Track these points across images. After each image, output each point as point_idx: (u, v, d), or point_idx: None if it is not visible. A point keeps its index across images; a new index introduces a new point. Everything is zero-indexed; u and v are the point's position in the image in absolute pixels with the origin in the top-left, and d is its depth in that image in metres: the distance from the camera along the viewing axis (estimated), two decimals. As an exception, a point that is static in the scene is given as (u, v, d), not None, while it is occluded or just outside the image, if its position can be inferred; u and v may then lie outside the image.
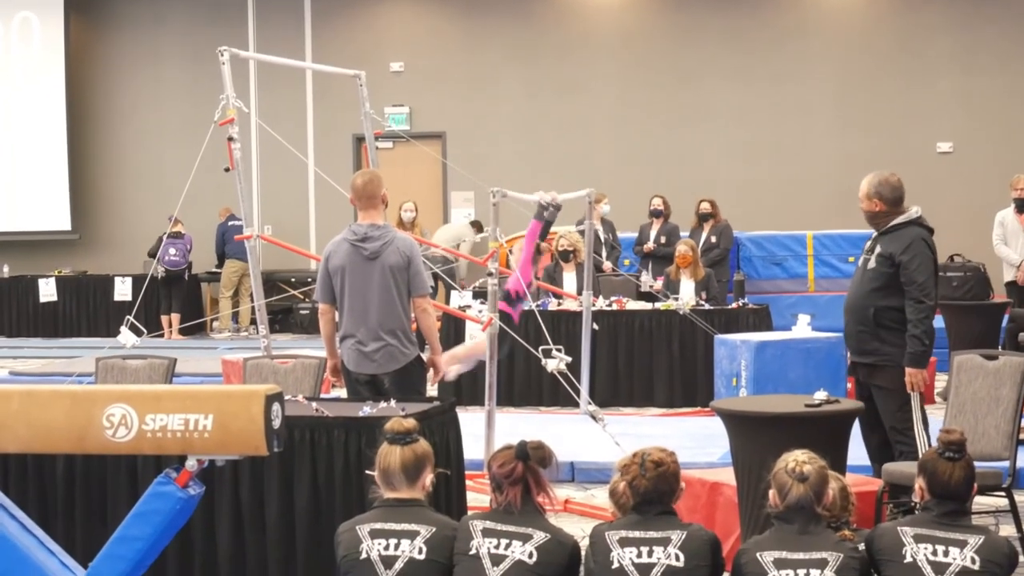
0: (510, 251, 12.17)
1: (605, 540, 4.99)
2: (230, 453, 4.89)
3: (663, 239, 16.02)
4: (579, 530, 7.40)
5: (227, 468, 6.43)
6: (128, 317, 9.88)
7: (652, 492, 5.06)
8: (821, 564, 4.80)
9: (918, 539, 4.90)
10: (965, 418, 7.45)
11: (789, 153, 19.84)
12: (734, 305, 13.86)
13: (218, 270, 20.51)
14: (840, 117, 19.78)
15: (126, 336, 9.65)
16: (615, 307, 13.50)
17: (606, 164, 19.93)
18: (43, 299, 20.93)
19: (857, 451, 7.56)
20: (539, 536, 4.99)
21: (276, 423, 4.82)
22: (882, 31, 19.79)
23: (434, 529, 5.06)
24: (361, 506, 5.77)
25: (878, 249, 7.95)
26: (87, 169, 22.15)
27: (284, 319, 20.58)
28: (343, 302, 8.02)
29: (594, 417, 9.54)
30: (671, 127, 20.23)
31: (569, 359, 9.37)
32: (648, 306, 13.60)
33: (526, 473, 5.08)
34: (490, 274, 9.42)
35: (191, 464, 4.90)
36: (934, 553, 4.86)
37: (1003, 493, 7.27)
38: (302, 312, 20.10)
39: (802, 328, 12.19)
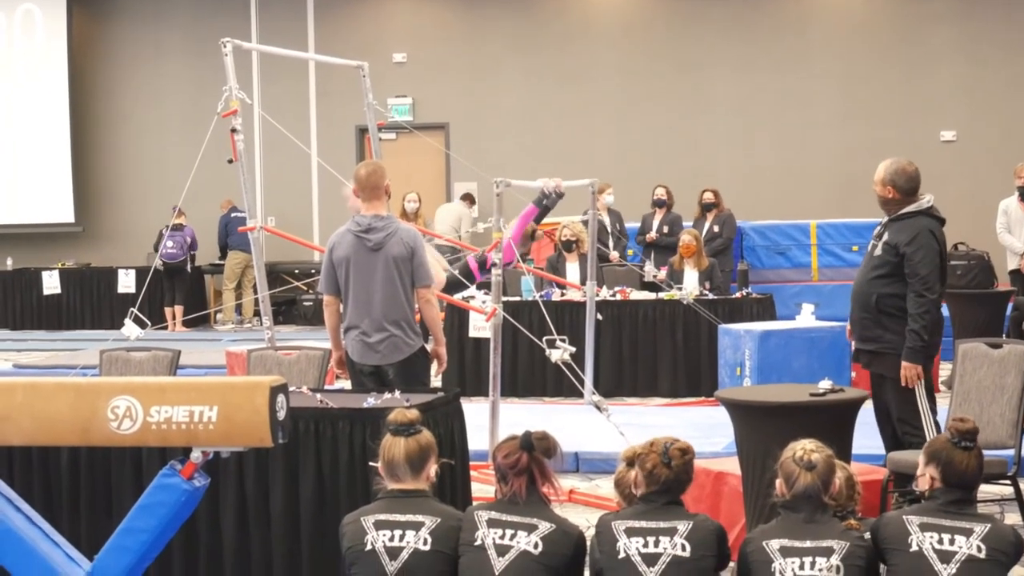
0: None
1: (611, 530, 4.99)
2: (235, 445, 4.89)
3: (666, 229, 16.00)
4: (584, 520, 7.40)
5: (232, 460, 6.42)
6: (132, 309, 9.87)
7: (672, 481, 5.06)
8: (827, 552, 4.81)
9: (924, 528, 4.90)
10: (970, 406, 7.44)
11: (792, 142, 19.83)
12: (738, 295, 13.84)
13: (221, 262, 20.51)
14: (843, 106, 19.77)
15: (130, 328, 9.64)
16: (619, 297, 13.48)
17: (609, 154, 19.93)
18: (47, 291, 20.95)
19: (861, 440, 7.55)
20: (544, 526, 4.99)
21: (281, 415, 4.81)
22: (885, 20, 19.78)
23: (439, 520, 5.05)
24: (366, 497, 5.76)
25: (885, 236, 7.92)
26: (90, 161, 22.15)
27: (288, 310, 20.59)
28: (347, 293, 8.01)
29: (598, 407, 9.54)
30: (673, 117, 20.22)
31: (573, 349, 9.38)
32: (652, 296, 13.59)
33: (531, 464, 5.07)
34: (494, 265, 9.42)
35: (196, 456, 4.90)
36: (940, 542, 4.85)
37: (1008, 481, 7.26)
38: (305, 303, 20.11)
39: (806, 317, 12.17)
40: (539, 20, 20.67)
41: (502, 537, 4.97)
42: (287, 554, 6.55)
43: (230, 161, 9.80)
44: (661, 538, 4.92)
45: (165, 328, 18.81)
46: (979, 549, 4.83)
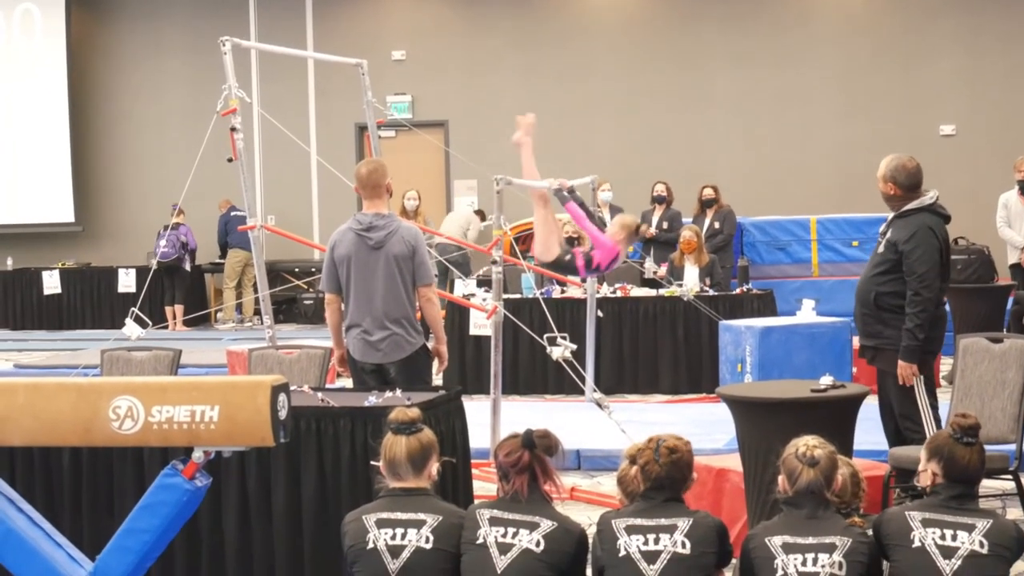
0: (514, 239, 12.17)
1: (612, 528, 5.00)
2: (236, 444, 4.89)
3: (665, 225, 16.01)
4: (586, 518, 7.41)
5: (234, 459, 6.43)
6: (133, 309, 9.88)
7: (664, 479, 5.07)
8: (829, 548, 4.81)
9: (926, 523, 4.90)
10: (971, 401, 7.44)
11: (792, 138, 19.83)
12: (738, 291, 13.85)
13: (221, 261, 20.51)
14: (843, 101, 19.76)
15: (131, 328, 9.65)
16: (619, 294, 13.49)
17: (608, 150, 19.93)
18: (47, 291, 20.95)
19: (863, 436, 7.55)
20: (546, 524, 4.99)
21: (282, 414, 4.81)
22: (884, 15, 19.78)
23: (441, 518, 5.05)
24: (368, 496, 5.76)
25: (888, 234, 7.93)
26: (90, 161, 22.15)
27: (288, 309, 20.58)
28: (349, 292, 8.02)
29: (599, 404, 9.56)
30: (673, 113, 20.21)
31: (574, 347, 9.39)
32: (652, 293, 13.59)
33: (532, 462, 5.07)
34: (494, 262, 9.42)
35: (198, 456, 4.90)
36: (942, 537, 4.85)
37: (1010, 476, 7.26)
38: (306, 302, 20.11)
39: (807, 313, 12.18)
40: (538, 17, 20.66)
41: (504, 535, 4.97)
42: (289, 553, 6.56)
43: (230, 160, 9.81)
44: (661, 535, 4.93)
45: (166, 327, 18.81)
46: (981, 544, 4.83)
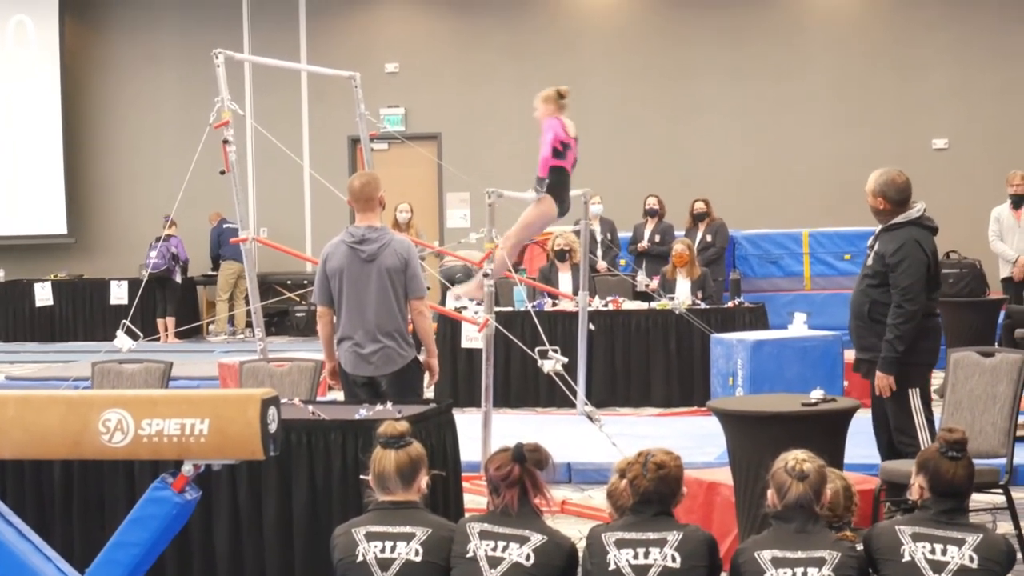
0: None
1: (601, 542, 4.99)
2: (227, 457, 4.89)
3: (657, 238, 16.03)
4: (576, 531, 7.40)
5: (224, 472, 6.42)
6: (124, 321, 9.86)
7: (652, 493, 5.07)
8: (819, 563, 4.80)
9: (916, 538, 4.90)
10: (962, 415, 7.44)
11: (784, 150, 19.84)
12: (730, 304, 13.86)
13: (213, 273, 20.49)
14: (835, 114, 19.78)
15: (122, 340, 9.63)
16: (611, 307, 13.49)
17: (601, 163, 19.87)
18: (39, 303, 20.92)
19: (854, 449, 7.55)
20: (536, 538, 4.99)
21: (272, 427, 4.82)
22: (877, 28, 19.80)
23: (430, 531, 5.05)
24: (358, 509, 5.76)
25: (876, 247, 7.95)
26: (83, 172, 22.13)
27: (280, 322, 20.57)
28: (341, 304, 8.02)
29: (591, 418, 9.54)
30: (666, 125, 20.22)
31: (565, 360, 9.37)
32: (644, 306, 13.59)
33: (523, 475, 5.08)
34: (485, 275, 9.42)
35: (187, 469, 4.90)
36: (932, 552, 4.86)
37: (1000, 490, 7.26)
38: (298, 315, 20.10)
39: (798, 326, 12.19)
40: (531, 29, 20.68)
41: (494, 549, 4.97)
42: (280, 566, 6.55)
43: (222, 172, 9.80)
44: (651, 549, 4.92)
45: (157, 340, 18.80)
46: (971, 559, 4.83)
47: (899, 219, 7.90)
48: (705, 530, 5.16)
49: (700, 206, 16.16)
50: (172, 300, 20.03)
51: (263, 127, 12.64)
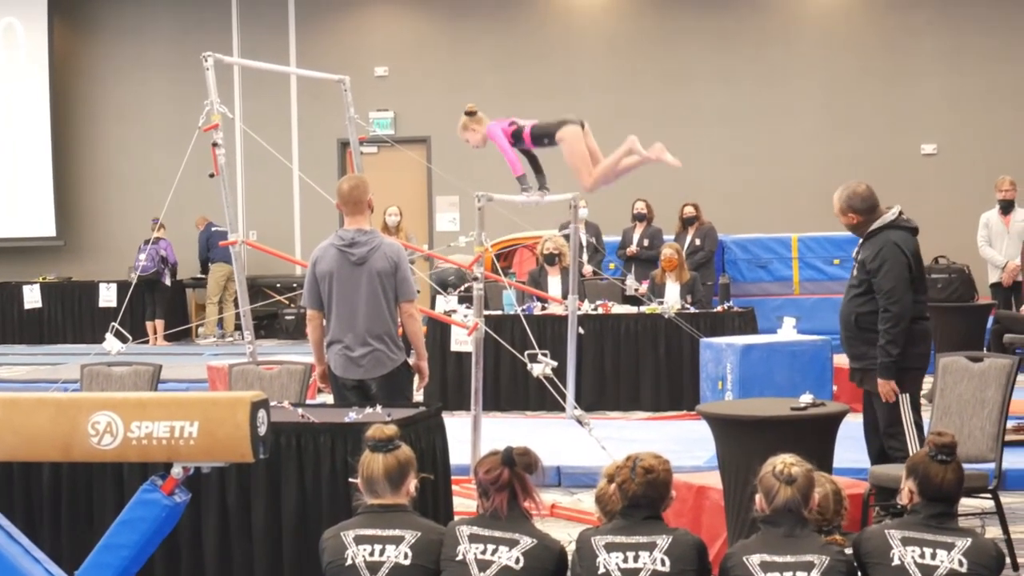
0: (495, 256, 12.16)
1: (591, 545, 4.99)
2: (216, 460, 4.88)
3: (646, 243, 16.03)
4: (566, 535, 7.40)
5: (213, 474, 6.41)
6: (113, 324, 9.84)
7: (641, 497, 5.07)
8: (807, 567, 4.81)
9: (905, 542, 4.91)
10: (951, 420, 7.45)
11: (774, 156, 19.85)
12: (719, 308, 13.86)
13: (202, 276, 20.47)
14: (825, 119, 19.80)
15: (111, 343, 9.61)
16: (600, 311, 13.50)
17: (591, 168, 19.90)
18: (28, 306, 20.89)
19: (843, 453, 7.56)
20: (526, 541, 4.99)
21: (262, 430, 4.81)
22: (867, 34, 19.83)
23: (419, 534, 5.05)
24: (348, 512, 5.75)
25: (859, 256, 8.01)
26: (71, 175, 22.10)
27: (269, 324, 20.55)
28: (331, 308, 8.01)
29: (580, 421, 9.54)
30: (655, 130, 19.99)
31: (555, 364, 9.38)
32: (633, 310, 13.59)
33: (512, 479, 5.08)
34: (475, 278, 9.42)
35: (177, 471, 4.89)
36: (921, 556, 4.86)
37: (989, 495, 7.27)
38: (287, 318, 20.09)
39: (787, 331, 12.20)
40: (521, 33, 20.69)
41: (484, 552, 4.97)
42: (269, 568, 6.55)
43: (211, 175, 9.79)
44: (640, 553, 4.93)
45: (146, 342, 18.77)
46: (960, 563, 4.84)
47: (876, 225, 7.96)
48: (694, 534, 5.16)
49: (689, 210, 16.18)
50: (161, 303, 20.01)
51: (252, 130, 12.61)
